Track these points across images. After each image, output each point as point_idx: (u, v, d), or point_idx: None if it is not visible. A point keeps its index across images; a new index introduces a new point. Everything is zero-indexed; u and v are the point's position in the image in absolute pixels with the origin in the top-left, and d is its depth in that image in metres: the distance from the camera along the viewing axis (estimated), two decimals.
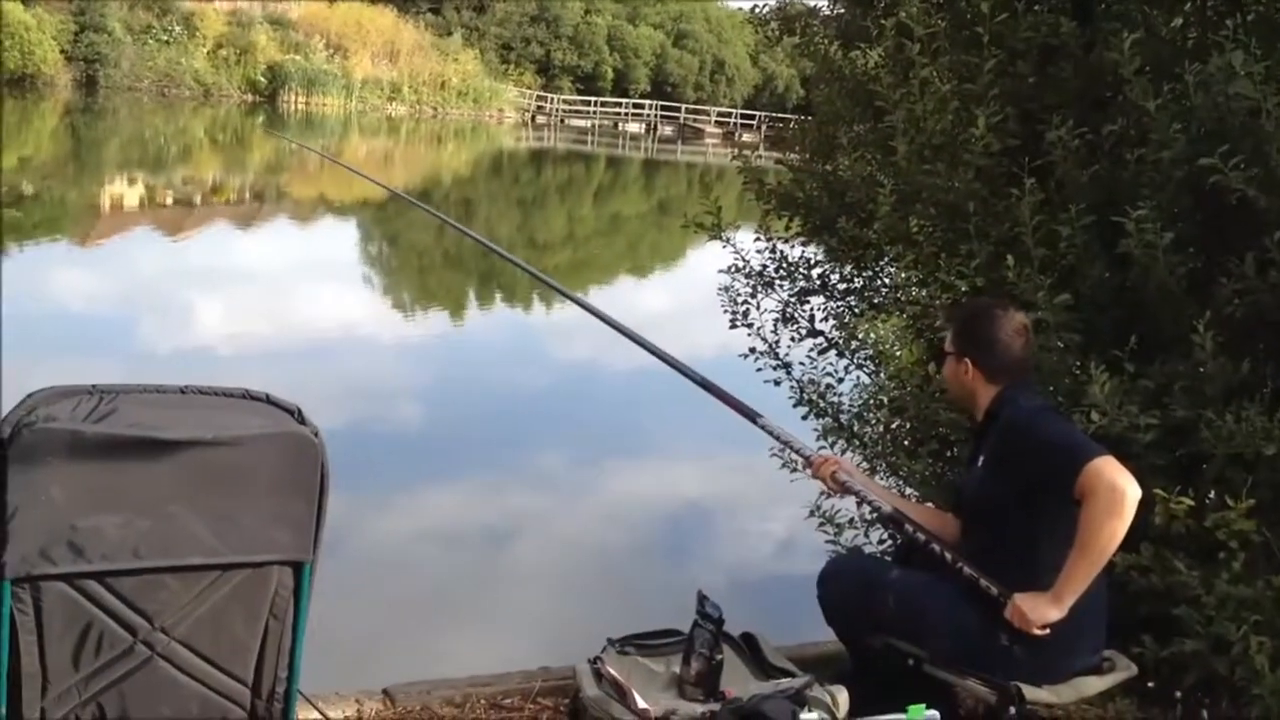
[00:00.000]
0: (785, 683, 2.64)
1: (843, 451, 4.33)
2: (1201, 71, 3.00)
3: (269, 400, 2.09)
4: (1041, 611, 2.48)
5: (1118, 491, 2.38)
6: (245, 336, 10.43)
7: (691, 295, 13.08)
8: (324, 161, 25.26)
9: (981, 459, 2.79)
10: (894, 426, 4.41)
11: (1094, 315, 3.32)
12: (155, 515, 1.93)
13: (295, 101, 41.49)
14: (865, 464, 4.29)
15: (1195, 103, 3.03)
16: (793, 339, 4.75)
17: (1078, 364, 3.23)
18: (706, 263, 5.98)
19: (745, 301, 4.75)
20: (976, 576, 2.59)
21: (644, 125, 57.09)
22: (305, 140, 33.06)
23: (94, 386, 1.96)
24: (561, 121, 54.16)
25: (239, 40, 41.19)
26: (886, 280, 4.72)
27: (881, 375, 4.72)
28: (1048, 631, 2.49)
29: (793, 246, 4.84)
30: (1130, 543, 2.64)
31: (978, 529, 2.77)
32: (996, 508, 2.68)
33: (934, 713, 2.35)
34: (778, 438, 2.97)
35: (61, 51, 35.54)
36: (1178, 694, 3.02)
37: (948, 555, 2.65)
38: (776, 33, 5.39)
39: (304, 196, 23.09)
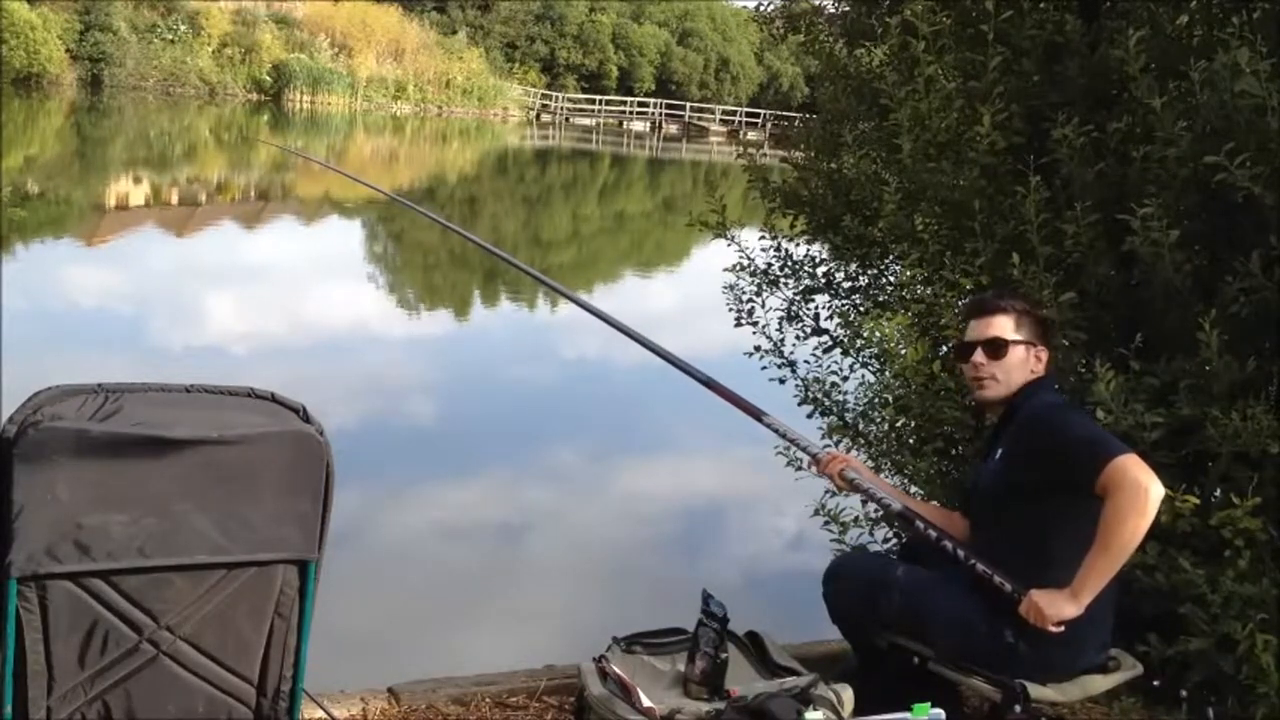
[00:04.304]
0: (790, 681, 2.63)
1: (848, 450, 4.32)
2: (1207, 69, 2.99)
3: (274, 399, 2.09)
4: (1058, 608, 2.46)
5: (1142, 489, 2.37)
6: (251, 335, 10.45)
7: (696, 293, 13.08)
8: (328, 159, 25.27)
9: (999, 452, 2.77)
10: (899, 425, 4.39)
11: (1099, 313, 3.32)
12: (161, 514, 1.94)
13: (300, 100, 41.57)
14: (870, 462, 4.28)
15: (1201, 100, 3.02)
16: (797, 337, 4.75)
17: (1083, 362, 3.23)
18: (711, 261, 5.98)
19: (750, 300, 4.76)
20: (989, 574, 2.58)
21: (649, 123, 57.11)
22: (309, 139, 33.16)
23: (99, 385, 1.96)
24: (566, 120, 54.19)
25: (244, 39, 41.28)
26: (891, 278, 4.71)
27: (886, 374, 4.69)
28: (1062, 629, 2.47)
29: (797, 244, 4.84)
30: None
31: (991, 523, 2.75)
32: (1013, 500, 2.66)
33: (939, 711, 2.35)
34: (783, 435, 2.93)
35: (67, 50, 35.66)
36: (1183, 692, 3.01)
37: (960, 552, 2.64)
38: (781, 31, 5.39)
39: (309, 195, 23.11)
